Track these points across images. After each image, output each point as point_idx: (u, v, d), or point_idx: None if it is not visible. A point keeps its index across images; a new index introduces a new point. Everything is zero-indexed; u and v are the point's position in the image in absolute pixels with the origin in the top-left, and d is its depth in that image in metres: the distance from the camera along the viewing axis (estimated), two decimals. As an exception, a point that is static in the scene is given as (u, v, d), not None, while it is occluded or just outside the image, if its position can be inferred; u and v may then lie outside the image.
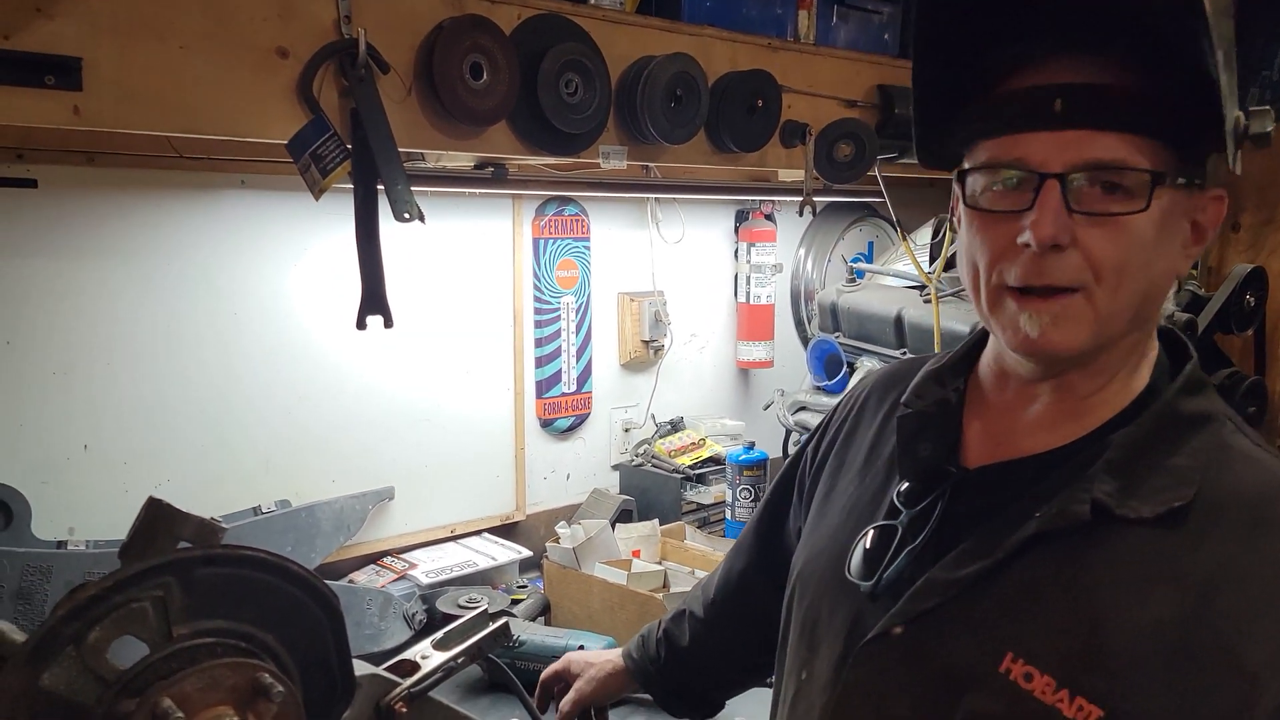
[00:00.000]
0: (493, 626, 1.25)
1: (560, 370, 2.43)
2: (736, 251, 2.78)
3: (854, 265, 2.84)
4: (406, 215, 1.28)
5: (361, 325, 1.31)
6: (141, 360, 1.76)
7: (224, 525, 0.91)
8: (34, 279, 1.65)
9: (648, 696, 1.38)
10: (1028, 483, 0.84)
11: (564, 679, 1.40)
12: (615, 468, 2.58)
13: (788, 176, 2.32)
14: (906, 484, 0.91)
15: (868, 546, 0.90)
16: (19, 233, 1.63)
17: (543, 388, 2.41)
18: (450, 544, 2.22)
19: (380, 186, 1.35)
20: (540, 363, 2.39)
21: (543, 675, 1.42)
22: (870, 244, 3.06)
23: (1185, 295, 2.17)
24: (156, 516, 0.89)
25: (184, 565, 0.86)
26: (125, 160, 1.68)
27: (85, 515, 1.70)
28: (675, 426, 2.63)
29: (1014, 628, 0.79)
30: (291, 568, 0.92)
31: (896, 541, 0.88)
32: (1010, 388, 0.90)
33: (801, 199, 2.04)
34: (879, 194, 2.29)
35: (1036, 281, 0.80)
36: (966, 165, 0.85)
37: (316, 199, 1.29)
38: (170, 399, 1.80)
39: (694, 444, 2.56)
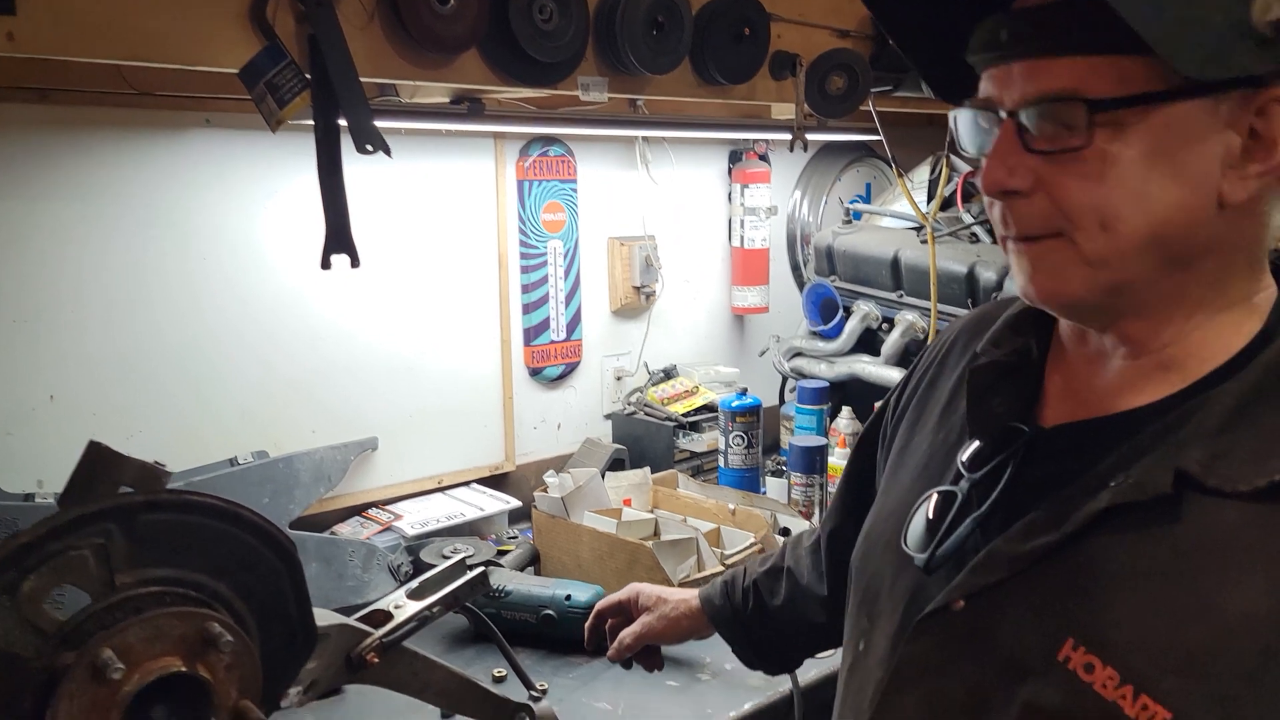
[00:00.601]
0: (469, 575, 1.21)
1: (548, 317, 2.38)
2: (730, 194, 2.71)
3: (850, 206, 2.78)
4: (369, 147, 1.21)
5: (326, 265, 1.25)
6: (108, 307, 1.71)
7: (168, 470, 0.86)
8: (-7, 222, 1.59)
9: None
10: (1109, 446, 0.74)
11: (625, 610, 1.33)
12: (607, 417, 2.53)
13: (780, 114, 2.24)
14: (976, 443, 0.82)
15: (929, 514, 0.82)
16: (-28, 175, 1.57)
17: (531, 335, 2.35)
18: (437, 495, 2.19)
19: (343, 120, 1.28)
20: (528, 309, 2.33)
21: (600, 604, 1.36)
22: (868, 185, 2.98)
23: None
24: (96, 461, 0.85)
25: (125, 511, 0.81)
26: (81, 97, 1.61)
27: (53, 467, 1.65)
28: (668, 374, 2.58)
29: (1078, 612, 0.70)
30: (244, 513, 0.87)
31: (957, 509, 0.80)
32: (1089, 341, 0.80)
33: (792, 135, 1.97)
34: (874, 131, 2.21)
35: (1007, 231, 0.74)
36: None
37: (274, 130, 1.23)
38: (139, 347, 1.75)
39: (687, 392, 2.52)
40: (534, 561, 1.97)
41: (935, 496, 0.83)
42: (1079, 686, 0.68)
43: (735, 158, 2.69)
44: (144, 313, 1.74)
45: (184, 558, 0.84)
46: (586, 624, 1.37)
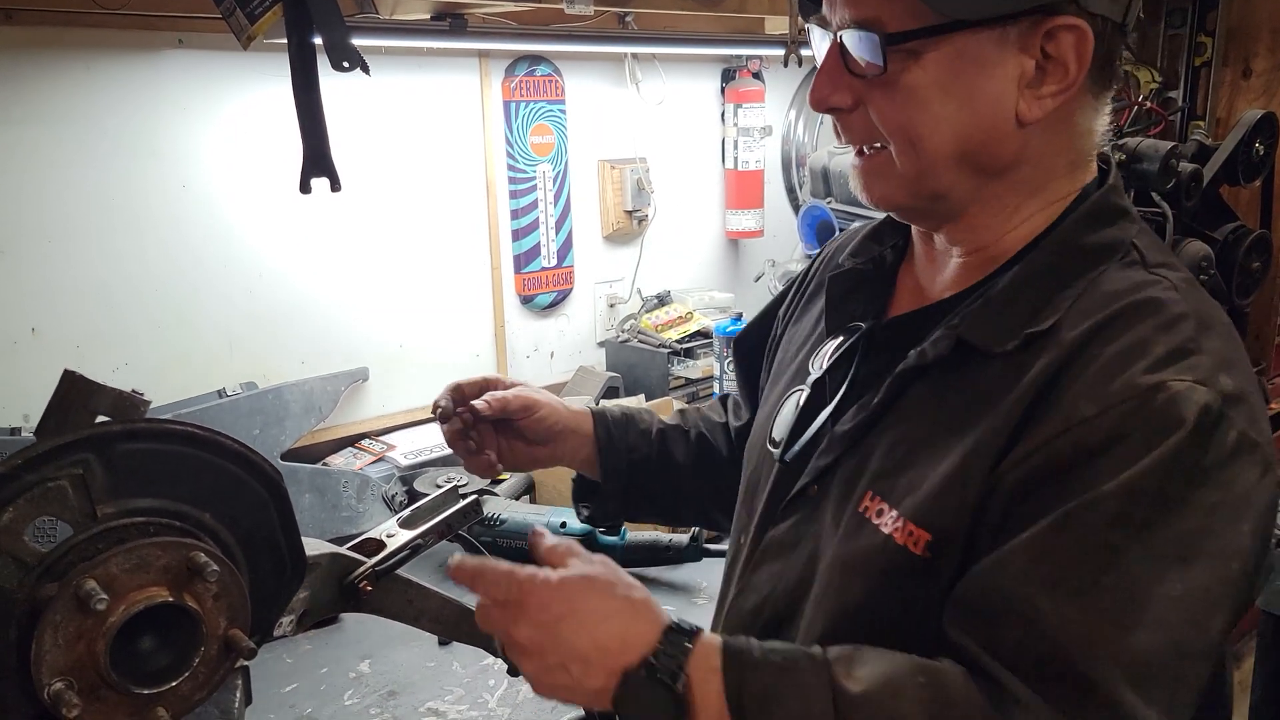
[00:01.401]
0: (461, 503, 1.20)
1: (539, 244, 2.34)
2: (723, 114, 2.64)
3: (845, 126, 2.72)
4: (345, 64, 1.16)
5: (305, 189, 1.21)
6: (87, 235, 1.67)
7: (146, 398, 0.84)
8: (-42, 149, 1.54)
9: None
10: (928, 329, 0.82)
11: (488, 388, 1.09)
12: (601, 344, 2.51)
13: (774, 29, 2.18)
14: (834, 343, 0.90)
15: (788, 414, 0.91)
16: (-60, 100, 1.51)
17: (521, 262, 2.31)
18: (430, 425, 2.17)
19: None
20: (517, 235, 2.29)
21: (465, 380, 1.09)
22: (863, 104, 2.92)
23: (1192, 145, 2.06)
24: (71, 390, 0.83)
25: (102, 440, 0.79)
26: (48, 18, 1.55)
27: (39, 402, 1.61)
28: (662, 300, 2.55)
29: (876, 468, 0.80)
30: (225, 442, 0.86)
31: (810, 404, 0.89)
32: (932, 242, 0.88)
33: (786, 49, 1.90)
34: (870, 45, 2.14)
35: (840, 142, 0.83)
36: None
37: (245, 48, 1.17)
38: (122, 277, 1.71)
39: (681, 318, 2.49)
40: (529, 490, 1.97)
41: (794, 395, 0.92)
42: (868, 528, 0.78)
43: (728, 76, 2.62)
44: (125, 241, 1.71)
45: (166, 488, 0.83)
46: (442, 392, 1.08)
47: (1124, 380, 0.68)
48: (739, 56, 2.57)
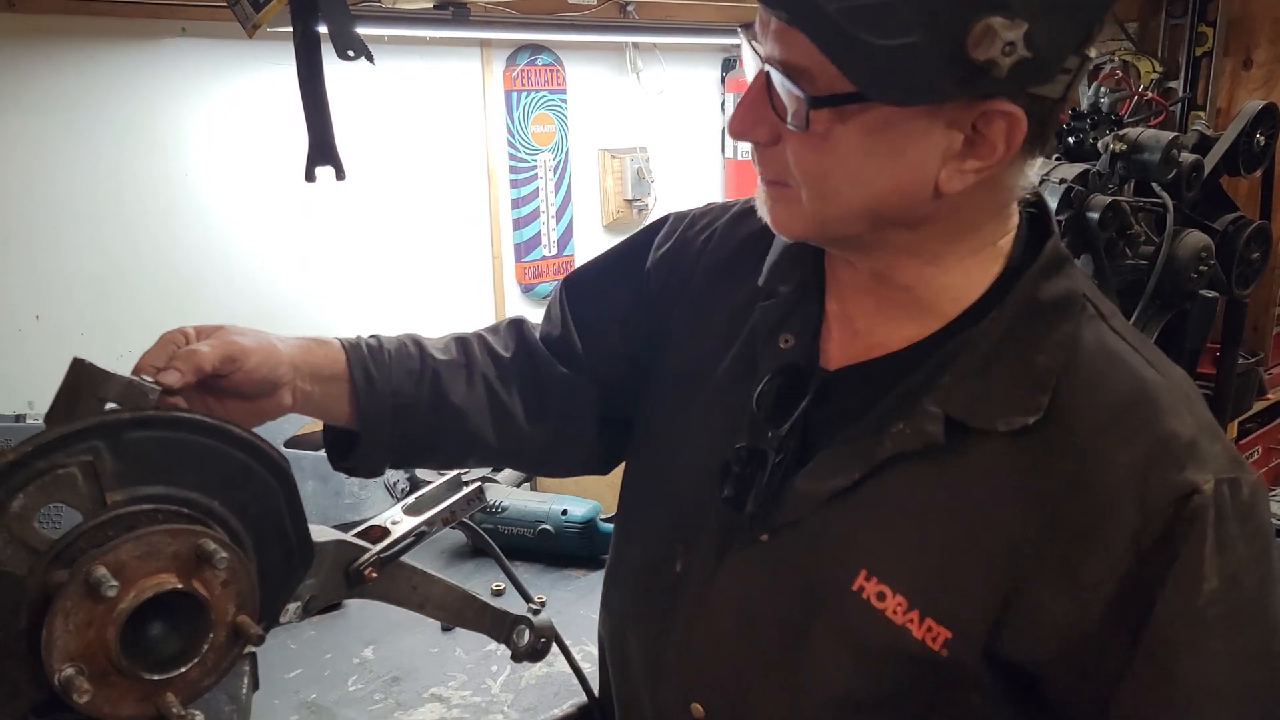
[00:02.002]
0: (465, 491, 1.20)
1: (540, 232, 2.34)
2: (723, 103, 2.64)
3: (846, 116, 2.72)
4: (350, 53, 1.16)
5: (310, 177, 1.21)
6: (89, 223, 1.67)
7: (155, 386, 0.84)
8: (-39, 137, 1.54)
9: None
10: (886, 386, 0.79)
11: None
12: (601, 333, 2.51)
13: (775, 18, 2.17)
14: (763, 385, 0.84)
15: (737, 469, 0.84)
16: (-58, 88, 1.51)
17: (522, 251, 2.32)
18: (432, 412, 2.18)
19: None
20: (518, 224, 2.30)
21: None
22: (863, 94, 2.92)
23: (1193, 135, 2.06)
24: (80, 378, 0.83)
25: (112, 428, 0.80)
26: (52, 4, 1.55)
27: (43, 388, 1.61)
28: (661, 289, 2.55)
29: (870, 545, 0.77)
30: (233, 430, 0.86)
31: (768, 464, 0.83)
32: (855, 268, 0.83)
33: (789, 39, 1.90)
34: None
35: (756, 168, 0.79)
36: None
37: (250, 36, 1.18)
38: (124, 265, 1.71)
39: (681, 306, 2.49)
40: (530, 478, 1.98)
41: (740, 449, 0.84)
42: (871, 613, 0.76)
43: (729, 66, 2.62)
44: (127, 229, 1.71)
45: (175, 475, 0.83)
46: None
47: (1160, 485, 0.70)
48: (740, 45, 2.56)
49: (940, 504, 0.75)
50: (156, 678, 0.79)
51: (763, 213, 0.79)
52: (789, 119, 0.71)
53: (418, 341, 1.01)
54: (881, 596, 0.76)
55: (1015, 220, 0.80)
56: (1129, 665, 0.70)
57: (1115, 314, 0.79)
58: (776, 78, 0.70)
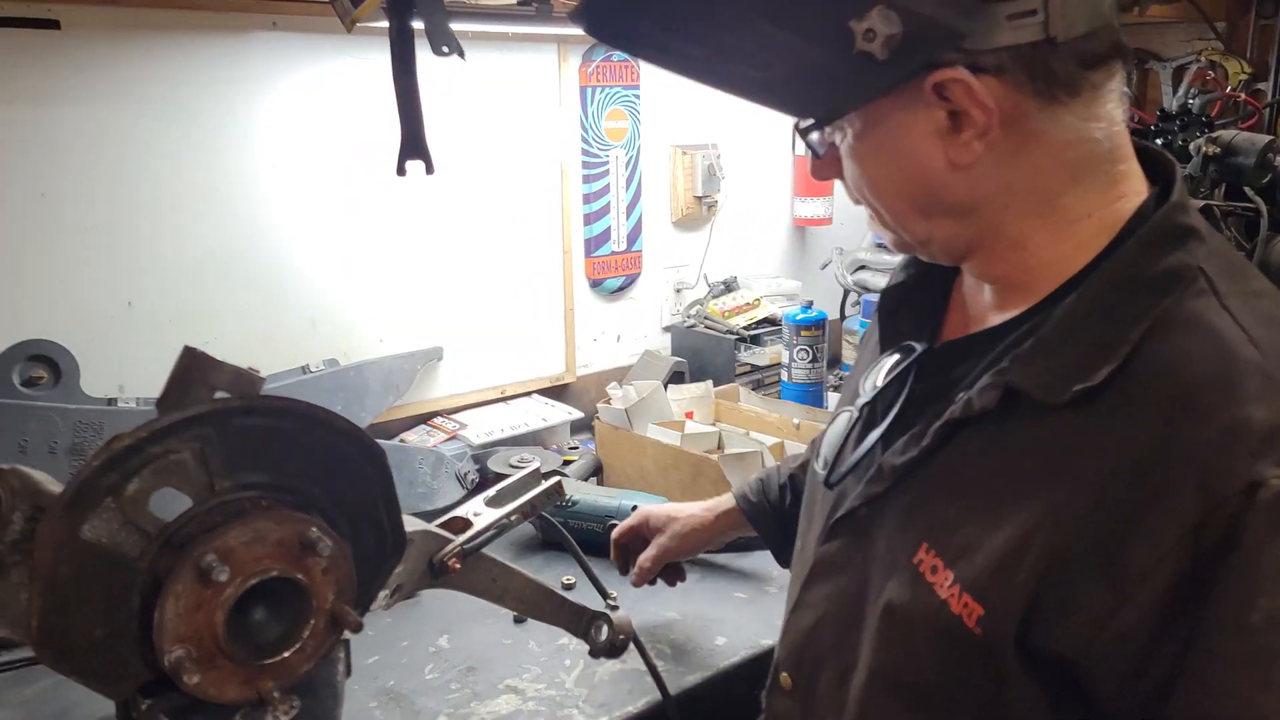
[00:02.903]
0: (545, 485, 1.22)
1: (609, 228, 2.35)
2: (795, 101, 2.62)
3: (920, 115, 2.68)
4: (445, 49, 1.18)
5: (401, 171, 1.23)
6: (182, 213, 1.71)
7: (261, 375, 0.86)
8: (62, 126, 1.58)
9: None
10: (973, 361, 0.80)
11: (642, 535, 1.38)
12: (666, 329, 2.51)
13: (853, 15, 2.15)
14: (889, 361, 0.89)
15: (835, 434, 0.92)
16: (45, 77, 1.55)
17: (591, 246, 2.32)
18: (500, 405, 2.20)
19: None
20: (589, 220, 2.30)
21: (616, 533, 1.41)
22: (937, 92, 2.88)
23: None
24: (191, 365, 0.85)
25: (222, 416, 0.82)
26: (150, -1, 1.59)
27: (132, 373, 1.68)
28: (729, 287, 2.54)
29: (932, 517, 0.78)
30: (336, 420, 0.88)
31: (862, 424, 0.89)
32: None
33: (869, 37, 1.88)
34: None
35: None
36: None
37: (349, 30, 1.20)
38: (211, 255, 1.75)
39: (748, 304, 2.48)
40: (597, 472, 1.98)
41: (843, 415, 0.92)
42: (923, 586, 0.76)
43: (802, 63, 2.60)
44: (215, 220, 1.75)
45: (279, 463, 0.85)
46: (611, 555, 1.42)
47: (1226, 473, 0.63)
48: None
49: (992, 475, 0.75)
50: (259, 662, 0.81)
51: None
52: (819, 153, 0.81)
53: (779, 467, 1.33)
54: (935, 570, 0.76)
55: (1124, 189, 0.76)
56: (1176, 679, 0.64)
57: (1246, 294, 0.71)
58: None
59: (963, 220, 0.78)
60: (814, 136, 0.79)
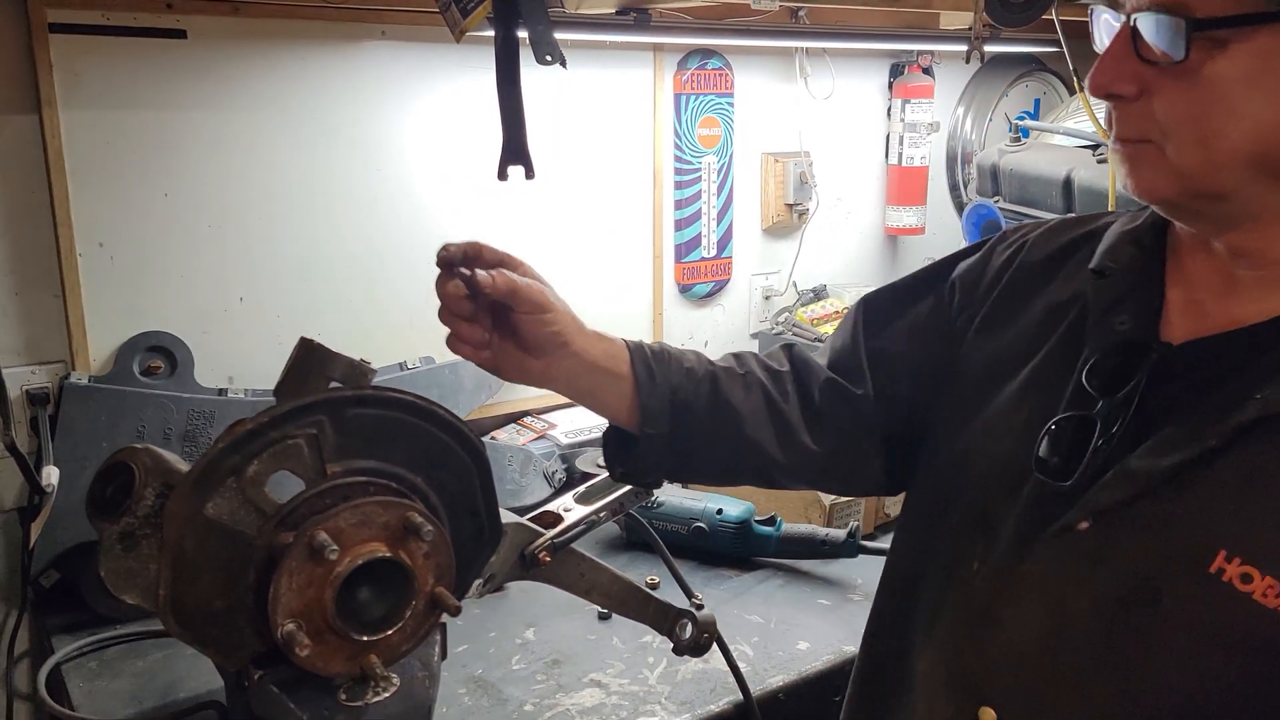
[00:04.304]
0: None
1: (700, 234, 2.37)
2: (889, 109, 2.60)
3: (1019, 123, 2.64)
4: (549, 58, 1.22)
5: (503, 176, 1.27)
6: (292, 214, 1.79)
7: (372, 367, 0.90)
8: (186, 131, 1.67)
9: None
10: (1242, 360, 0.73)
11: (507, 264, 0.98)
12: (754, 336, 2.52)
13: (949, 24, 2.13)
14: (1094, 360, 0.80)
15: (1058, 435, 0.79)
16: (172, 84, 1.64)
17: (682, 251, 2.35)
18: (588, 407, 2.23)
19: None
20: (680, 226, 2.33)
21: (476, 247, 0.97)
22: (1036, 101, 2.82)
23: None
24: (308, 356, 0.90)
25: (336, 404, 0.86)
26: (269, 9, 1.66)
27: (242, 365, 1.76)
28: (818, 295, 2.54)
29: (1230, 523, 0.70)
30: (440, 412, 0.92)
31: (1088, 429, 0.78)
32: (1212, 251, 0.79)
33: (969, 45, 1.86)
34: (1054, 42, 2.07)
35: (1109, 133, 0.76)
36: None
37: (458, 40, 1.24)
38: (320, 253, 1.83)
39: (837, 313, 2.47)
40: (682, 475, 2.00)
41: (1065, 420, 0.80)
42: (1235, 596, 0.68)
43: (896, 71, 2.58)
44: (323, 220, 1.82)
45: (385, 451, 0.89)
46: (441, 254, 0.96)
47: None
48: (910, 51, 2.52)
49: None
50: (364, 639, 0.85)
51: (1121, 176, 0.76)
52: (1162, 56, 0.69)
53: (695, 350, 1.04)
54: (1247, 579, 0.68)
55: None
56: None
57: None
58: (1146, 22, 0.69)
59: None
60: (1181, 38, 0.67)
